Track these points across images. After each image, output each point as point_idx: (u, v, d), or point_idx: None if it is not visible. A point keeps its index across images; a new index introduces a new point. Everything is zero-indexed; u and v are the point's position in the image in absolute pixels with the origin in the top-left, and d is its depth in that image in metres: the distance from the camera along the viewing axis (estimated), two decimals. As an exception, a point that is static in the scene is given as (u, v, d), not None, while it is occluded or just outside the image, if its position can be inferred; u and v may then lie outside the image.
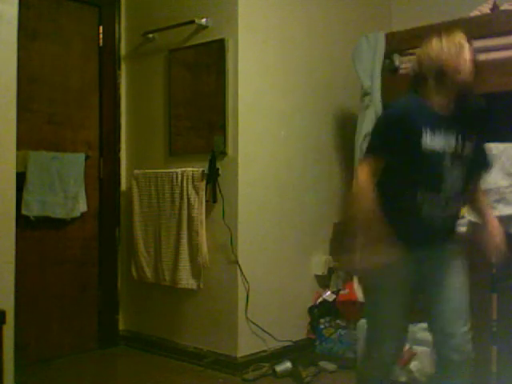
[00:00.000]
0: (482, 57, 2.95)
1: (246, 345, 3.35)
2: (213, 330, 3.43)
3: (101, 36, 3.85)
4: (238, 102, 3.33)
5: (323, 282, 3.77)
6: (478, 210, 2.24)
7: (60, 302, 3.61)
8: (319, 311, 3.63)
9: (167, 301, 3.67)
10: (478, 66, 2.03)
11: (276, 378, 3.24)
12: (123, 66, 3.94)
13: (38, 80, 3.53)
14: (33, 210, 3.41)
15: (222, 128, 3.36)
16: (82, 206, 3.64)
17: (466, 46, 2.02)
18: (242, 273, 3.32)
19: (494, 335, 2.81)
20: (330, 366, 3.32)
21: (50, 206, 3.49)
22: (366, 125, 3.38)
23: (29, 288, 3.38)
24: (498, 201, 2.78)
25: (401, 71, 3.30)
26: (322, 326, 3.55)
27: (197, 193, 3.39)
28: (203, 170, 3.38)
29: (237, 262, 3.32)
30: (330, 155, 3.89)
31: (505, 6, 3.10)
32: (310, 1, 3.76)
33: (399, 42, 3.32)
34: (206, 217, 3.40)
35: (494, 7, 3.18)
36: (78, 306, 3.70)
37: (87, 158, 3.69)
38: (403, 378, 2.94)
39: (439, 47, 2.02)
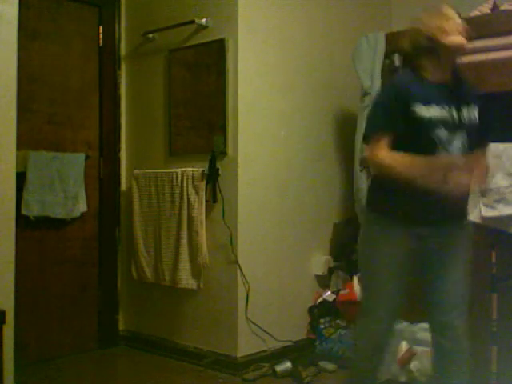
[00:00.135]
0: (482, 57, 2.96)
1: (246, 345, 3.35)
2: (213, 329, 3.43)
3: (101, 36, 3.85)
4: (237, 101, 3.33)
5: (323, 282, 3.77)
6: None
7: (60, 302, 3.61)
8: (319, 311, 3.63)
9: (167, 301, 3.67)
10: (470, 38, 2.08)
11: (276, 378, 3.24)
12: (123, 66, 3.94)
13: (38, 80, 3.53)
14: (33, 210, 3.41)
15: (222, 128, 3.36)
16: (82, 206, 3.64)
17: (452, 13, 2.06)
18: (242, 273, 3.32)
19: (494, 335, 2.81)
20: (330, 366, 3.32)
21: (49, 206, 3.49)
22: (366, 125, 3.38)
23: (29, 288, 3.38)
24: (498, 201, 2.78)
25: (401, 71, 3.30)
26: (321, 326, 3.55)
27: (197, 193, 3.39)
28: (203, 170, 3.38)
29: (237, 262, 3.32)
30: (330, 155, 3.89)
31: (505, 6, 3.10)
32: (309, 1, 3.76)
33: (399, 42, 3.32)
34: (206, 217, 3.40)
35: (494, 7, 3.18)
36: (78, 306, 3.71)
37: (87, 157, 3.69)
38: (403, 378, 2.94)
39: (427, 20, 2.08)
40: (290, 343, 3.55)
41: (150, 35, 3.75)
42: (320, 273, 3.75)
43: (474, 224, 2.88)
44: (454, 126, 2.01)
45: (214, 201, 3.38)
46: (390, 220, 2.09)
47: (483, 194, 2.81)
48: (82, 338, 3.73)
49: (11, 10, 2.69)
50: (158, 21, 3.70)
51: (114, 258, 3.89)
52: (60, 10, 3.65)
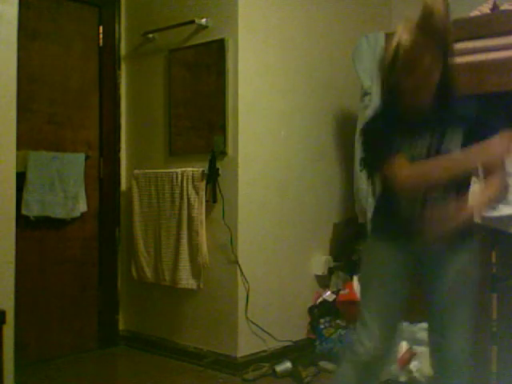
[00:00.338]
0: (482, 57, 2.96)
1: (246, 345, 3.35)
2: (213, 329, 3.43)
3: (101, 36, 3.85)
4: (237, 101, 3.33)
5: (323, 282, 3.77)
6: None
7: (60, 302, 3.61)
8: (319, 311, 3.63)
9: (167, 301, 3.67)
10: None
11: (276, 378, 3.24)
12: (123, 66, 3.94)
13: (38, 80, 3.53)
14: (33, 210, 3.41)
15: (222, 128, 3.36)
16: (82, 206, 3.64)
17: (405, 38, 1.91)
18: (242, 273, 3.32)
19: (494, 335, 2.81)
20: (330, 366, 3.32)
21: (49, 206, 3.49)
22: (366, 125, 3.38)
23: (29, 288, 3.38)
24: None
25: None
26: (321, 326, 3.55)
27: (197, 193, 3.39)
28: (203, 170, 3.38)
29: (237, 262, 3.32)
30: (330, 155, 3.89)
31: (505, 6, 3.10)
32: (310, 1, 3.76)
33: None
34: (206, 217, 3.40)
35: (494, 7, 3.18)
36: (78, 306, 3.71)
37: (87, 157, 3.69)
38: (403, 378, 2.94)
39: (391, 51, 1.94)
40: (289, 343, 3.55)
41: (150, 35, 3.75)
42: (320, 273, 3.75)
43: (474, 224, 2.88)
44: (431, 154, 1.95)
45: (214, 201, 3.38)
46: (385, 239, 2.08)
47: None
48: (81, 338, 3.73)
49: (11, 10, 2.69)
50: (158, 21, 3.70)
51: (114, 258, 3.89)
52: (60, 10, 3.65)
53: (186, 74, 3.61)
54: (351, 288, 3.51)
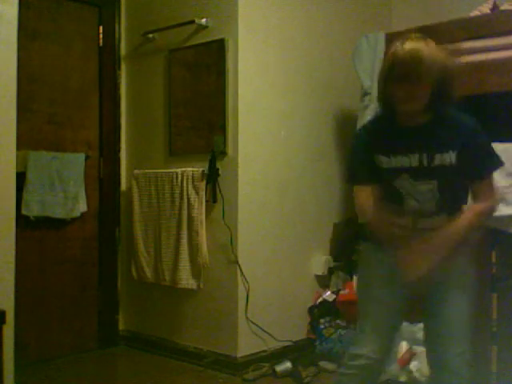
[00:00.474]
0: (482, 57, 2.97)
1: (246, 345, 3.35)
2: (213, 329, 3.43)
3: (101, 36, 3.85)
4: (237, 101, 3.33)
5: (323, 282, 3.77)
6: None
7: (60, 302, 3.61)
8: (319, 311, 3.63)
9: (167, 301, 3.67)
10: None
11: (276, 378, 3.24)
12: (123, 66, 3.94)
13: (38, 80, 3.52)
14: (33, 210, 3.41)
15: (222, 128, 3.36)
16: (82, 206, 3.64)
17: (409, 65, 1.83)
18: (242, 273, 3.32)
19: (494, 335, 2.81)
20: (330, 366, 3.32)
21: (49, 206, 3.49)
22: (366, 125, 3.38)
23: (29, 288, 3.38)
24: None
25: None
26: (321, 326, 3.55)
27: (197, 193, 3.39)
28: (203, 170, 3.38)
29: (237, 262, 3.32)
30: (330, 155, 3.89)
31: (505, 6, 3.10)
32: (310, 1, 3.76)
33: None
34: (206, 217, 3.40)
35: (494, 7, 3.18)
36: (78, 306, 3.71)
37: (87, 158, 3.69)
38: (403, 378, 2.94)
39: (384, 64, 1.92)
40: (289, 343, 3.55)
41: (150, 35, 3.75)
42: (320, 273, 3.75)
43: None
44: (421, 174, 1.92)
45: (214, 201, 3.38)
46: (380, 248, 2.06)
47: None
48: (82, 338, 3.73)
49: (11, 10, 2.69)
50: (158, 21, 3.70)
51: (114, 258, 3.89)
52: (60, 10, 3.65)
53: (186, 74, 3.61)
54: (351, 288, 3.51)
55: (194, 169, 3.42)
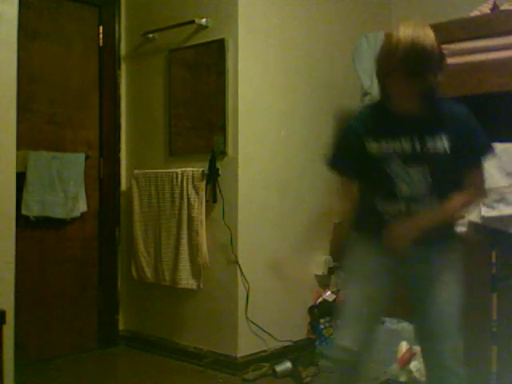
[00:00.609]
0: (482, 57, 2.97)
1: (246, 345, 3.35)
2: (213, 329, 3.43)
3: (101, 36, 3.85)
4: (238, 101, 3.33)
5: (323, 282, 3.77)
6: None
7: (60, 302, 3.61)
8: (319, 311, 3.63)
9: (167, 301, 3.67)
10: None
11: (276, 378, 3.24)
12: (123, 66, 3.94)
13: (38, 80, 3.52)
14: (33, 210, 3.41)
15: (222, 128, 3.36)
16: (82, 206, 3.64)
17: (402, 57, 1.82)
18: (242, 273, 3.32)
19: (494, 335, 2.81)
20: (330, 366, 3.32)
21: (50, 206, 3.49)
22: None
23: (29, 288, 3.38)
24: (498, 201, 2.78)
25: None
26: (321, 326, 3.55)
27: (197, 193, 3.39)
28: (203, 170, 3.38)
29: (237, 262, 3.32)
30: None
31: (505, 6, 3.09)
32: (310, 1, 3.76)
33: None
34: (206, 217, 3.40)
35: (494, 7, 3.18)
36: (78, 306, 3.71)
37: (87, 157, 3.69)
38: (403, 378, 2.94)
39: (380, 55, 1.93)
40: (289, 343, 3.55)
41: (150, 35, 3.75)
42: (320, 273, 3.75)
43: (474, 224, 2.89)
44: (413, 159, 1.93)
45: (214, 201, 3.38)
46: (366, 236, 2.09)
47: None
48: (82, 338, 3.73)
49: (11, 10, 2.69)
50: (158, 21, 3.70)
51: (114, 258, 3.89)
52: (60, 10, 3.65)
53: (186, 74, 3.61)
54: (351, 288, 3.51)
55: (194, 169, 3.42)
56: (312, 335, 3.62)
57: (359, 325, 2.04)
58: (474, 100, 3.10)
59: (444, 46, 3.07)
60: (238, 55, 3.33)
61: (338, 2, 3.95)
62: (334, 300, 3.62)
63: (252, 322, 3.36)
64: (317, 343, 3.53)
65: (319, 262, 3.75)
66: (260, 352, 3.41)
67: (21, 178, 3.18)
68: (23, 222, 3.29)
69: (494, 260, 2.83)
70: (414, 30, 1.83)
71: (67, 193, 3.55)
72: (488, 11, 3.16)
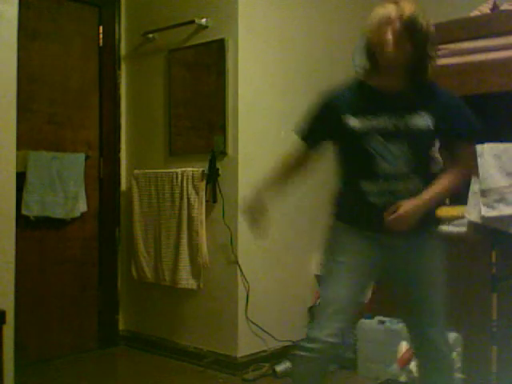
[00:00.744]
0: (482, 57, 2.97)
1: (246, 345, 3.35)
2: (213, 329, 3.43)
3: (101, 36, 3.85)
4: (237, 101, 3.33)
5: (323, 282, 3.77)
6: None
7: (60, 302, 3.61)
8: (319, 311, 3.63)
9: (167, 301, 3.67)
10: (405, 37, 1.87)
11: (276, 378, 3.24)
12: (123, 66, 3.94)
13: (38, 80, 3.53)
14: (33, 209, 3.41)
15: (222, 128, 3.36)
16: (82, 206, 3.63)
17: (391, 16, 1.87)
18: (242, 273, 3.32)
19: (494, 335, 2.81)
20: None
21: (49, 206, 3.49)
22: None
23: (29, 288, 3.38)
24: (498, 201, 2.78)
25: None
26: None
27: (197, 193, 3.39)
28: (203, 170, 3.38)
29: (237, 262, 3.32)
30: (330, 155, 3.87)
31: (505, 6, 3.10)
32: (309, 1, 3.76)
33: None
34: (206, 217, 3.40)
35: (494, 7, 3.18)
36: (78, 306, 3.70)
37: (87, 157, 3.69)
38: (403, 378, 2.94)
39: (368, 22, 1.94)
40: (289, 343, 3.55)
41: (150, 35, 3.75)
42: (320, 273, 3.74)
43: (474, 224, 2.89)
44: (394, 136, 1.92)
45: (214, 201, 3.38)
46: (345, 224, 2.09)
47: (483, 194, 2.81)
48: (82, 338, 3.73)
49: (11, 10, 2.69)
50: (158, 21, 3.70)
51: (114, 258, 3.89)
52: (60, 10, 3.65)
53: (186, 74, 3.61)
54: (351, 288, 3.51)
55: (194, 169, 3.42)
56: (312, 335, 3.62)
57: (336, 317, 2.01)
58: (474, 100, 3.11)
59: (444, 46, 3.09)
60: (238, 55, 3.33)
61: (338, 2, 3.95)
62: (334, 300, 3.62)
63: (252, 322, 3.36)
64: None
65: (319, 262, 3.74)
66: (260, 352, 3.41)
67: (21, 178, 3.18)
68: (23, 222, 3.29)
69: (494, 260, 2.84)
70: (398, 4, 1.88)
71: (67, 193, 3.55)
72: (488, 11, 3.16)
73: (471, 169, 2.04)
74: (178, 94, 3.62)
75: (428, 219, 1.97)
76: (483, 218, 2.81)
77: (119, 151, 3.90)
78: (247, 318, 3.34)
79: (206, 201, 3.39)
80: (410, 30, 1.86)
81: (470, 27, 3.05)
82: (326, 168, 3.85)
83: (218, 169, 3.36)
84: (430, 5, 4.02)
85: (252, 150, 3.40)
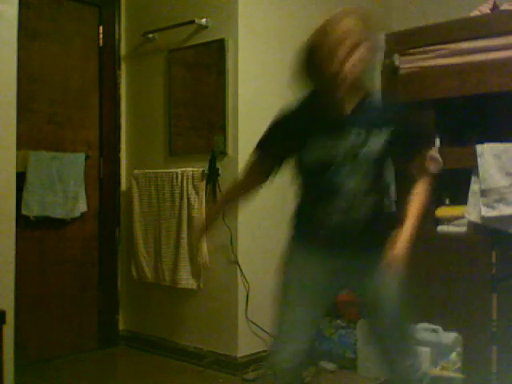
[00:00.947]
0: (482, 57, 2.97)
1: (246, 345, 3.35)
2: (213, 329, 3.43)
3: (101, 36, 3.85)
4: (237, 102, 3.33)
5: (323, 282, 3.77)
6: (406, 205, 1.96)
7: (60, 302, 3.61)
8: (319, 311, 3.63)
9: (167, 301, 3.67)
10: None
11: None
12: (123, 66, 3.94)
13: (38, 80, 3.53)
14: (33, 209, 3.41)
15: (222, 128, 3.36)
16: (82, 206, 3.63)
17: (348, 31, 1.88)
18: (242, 273, 3.32)
19: (494, 335, 2.82)
20: (330, 366, 3.32)
21: (50, 206, 3.49)
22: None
23: (29, 288, 3.38)
24: (498, 201, 2.78)
25: (401, 71, 3.30)
26: (321, 326, 3.55)
27: (197, 193, 3.39)
28: (203, 170, 3.38)
29: (237, 262, 3.32)
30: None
31: (505, 6, 3.10)
32: (309, 1, 3.76)
33: (399, 42, 3.33)
34: (206, 217, 3.40)
35: (494, 7, 3.18)
36: (78, 306, 3.71)
37: (87, 157, 3.69)
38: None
39: (316, 38, 1.96)
40: (289, 343, 3.55)
41: (150, 35, 3.75)
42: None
43: (474, 224, 2.89)
44: (348, 156, 1.88)
45: (214, 201, 3.38)
46: (300, 243, 2.07)
47: (483, 193, 2.81)
48: (82, 338, 3.73)
49: (11, 10, 2.69)
50: (158, 21, 3.70)
51: (114, 258, 3.89)
52: (60, 10, 3.65)
53: (186, 74, 3.61)
54: (351, 288, 3.51)
55: (194, 169, 3.42)
56: (312, 335, 3.62)
57: (291, 340, 2.03)
58: (474, 100, 3.11)
59: (444, 46, 3.09)
60: (238, 55, 3.33)
61: (338, 2, 3.94)
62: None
63: (252, 322, 3.36)
64: (317, 343, 3.52)
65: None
66: (260, 352, 3.41)
67: (21, 178, 3.18)
68: (23, 222, 3.29)
69: (494, 260, 2.84)
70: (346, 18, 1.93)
71: (67, 193, 3.55)
72: (488, 11, 3.16)
73: (429, 173, 2.02)
74: (178, 94, 3.63)
75: (379, 237, 1.92)
76: (483, 218, 2.81)
77: (119, 151, 3.90)
78: (247, 317, 3.34)
79: (206, 201, 3.39)
80: (367, 44, 1.87)
81: (470, 27, 3.05)
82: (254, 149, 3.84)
83: (218, 169, 3.36)
84: (430, 5, 4.04)
85: (252, 150, 3.39)
